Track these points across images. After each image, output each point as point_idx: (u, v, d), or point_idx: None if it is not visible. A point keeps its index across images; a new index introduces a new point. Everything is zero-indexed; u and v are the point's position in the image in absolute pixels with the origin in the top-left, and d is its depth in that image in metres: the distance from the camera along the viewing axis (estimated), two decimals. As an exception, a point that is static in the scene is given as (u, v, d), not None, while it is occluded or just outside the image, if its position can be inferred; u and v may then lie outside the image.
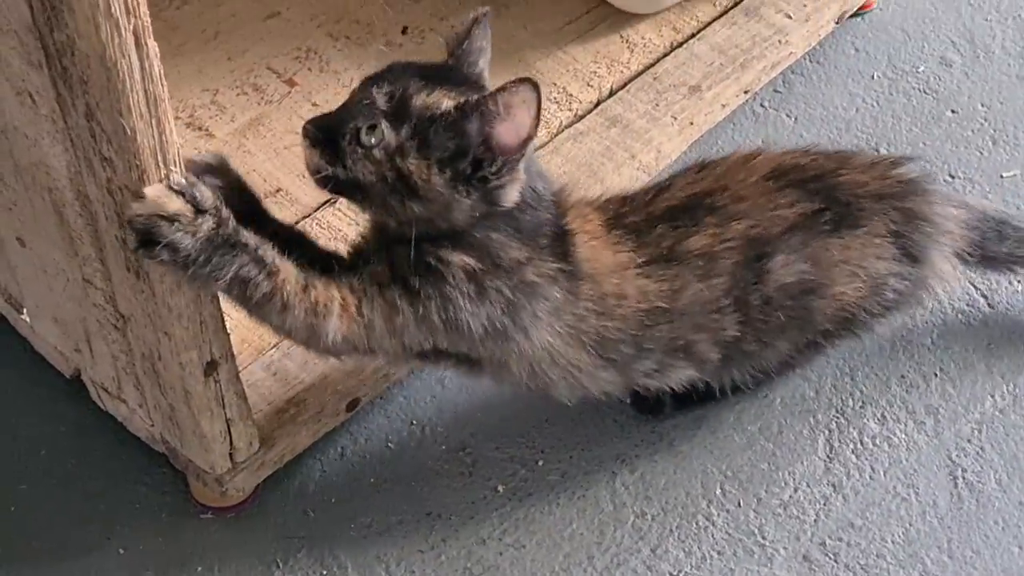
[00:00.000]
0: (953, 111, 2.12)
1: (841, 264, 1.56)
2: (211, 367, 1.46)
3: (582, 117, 1.94)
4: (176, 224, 1.28)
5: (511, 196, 1.39)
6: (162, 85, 1.25)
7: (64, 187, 1.39)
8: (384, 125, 1.36)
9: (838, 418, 1.75)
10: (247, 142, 1.91)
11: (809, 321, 1.59)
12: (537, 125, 1.36)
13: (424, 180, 1.35)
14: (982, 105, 2.12)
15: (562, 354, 1.48)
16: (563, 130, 1.92)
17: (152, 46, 1.23)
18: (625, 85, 1.98)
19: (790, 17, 2.06)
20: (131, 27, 1.19)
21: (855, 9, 2.14)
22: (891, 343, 1.82)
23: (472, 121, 1.35)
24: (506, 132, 1.35)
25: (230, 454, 1.57)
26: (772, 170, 1.57)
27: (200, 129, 1.93)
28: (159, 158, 1.28)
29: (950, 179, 2.01)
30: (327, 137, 1.38)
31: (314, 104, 1.96)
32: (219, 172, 1.44)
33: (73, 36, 1.19)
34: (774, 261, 1.53)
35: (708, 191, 1.55)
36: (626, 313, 1.49)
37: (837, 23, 2.10)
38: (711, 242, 1.51)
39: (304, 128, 1.40)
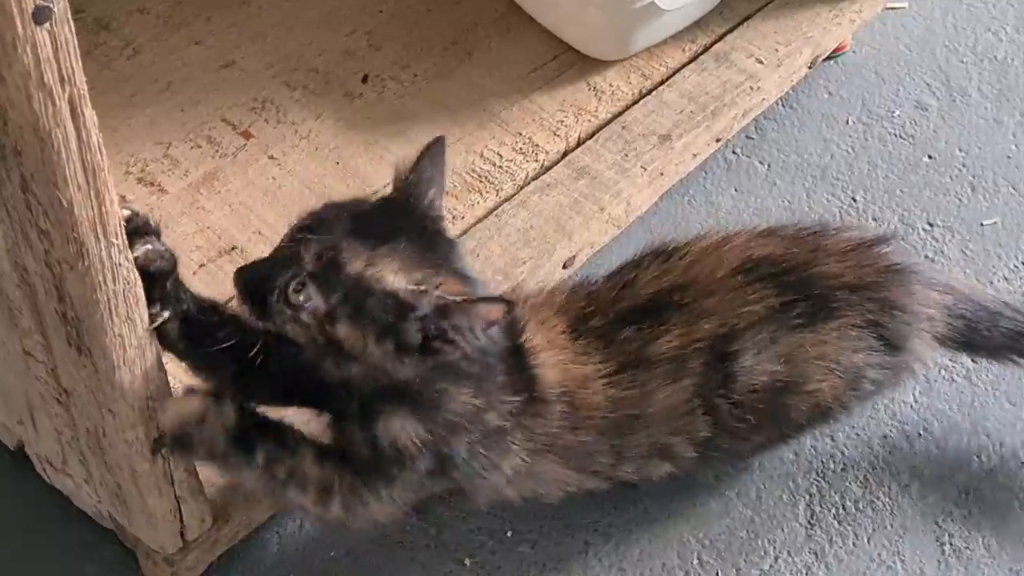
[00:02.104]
0: (930, 156, 2.06)
1: (815, 360, 1.50)
2: (158, 444, 1.38)
3: (549, 168, 1.88)
4: (206, 423, 1.32)
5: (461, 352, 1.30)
6: (101, 154, 1.18)
7: (1, 258, 1.31)
8: (312, 289, 1.26)
9: (819, 481, 1.69)
10: (201, 197, 1.84)
11: (784, 419, 1.54)
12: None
13: (358, 349, 1.28)
14: (960, 150, 2.07)
15: (544, 472, 1.44)
16: (530, 182, 1.86)
17: (90, 115, 1.15)
18: (593, 135, 1.92)
19: (762, 62, 2.00)
20: (66, 95, 1.11)
21: (828, 53, 2.08)
22: (872, 402, 1.76)
23: (423, 310, 1.25)
24: (466, 323, 1.26)
25: (181, 533, 1.49)
26: (743, 262, 1.50)
27: (152, 184, 1.85)
28: (99, 231, 1.21)
29: (929, 227, 1.95)
30: (257, 290, 1.29)
31: (271, 157, 1.88)
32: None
33: (5, 106, 1.11)
34: (740, 361, 1.47)
35: (674, 286, 1.49)
36: (599, 424, 1.44)
37: (810, 67, 2.04)
38: (679, 344, 1.46)
39: (235, 278, 1.31)
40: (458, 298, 1.24)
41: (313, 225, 1.29)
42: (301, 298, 1.26)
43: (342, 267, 1.25)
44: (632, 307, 1.47)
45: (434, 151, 1.35)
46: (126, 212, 1.26)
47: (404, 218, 1.32)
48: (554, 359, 1.42)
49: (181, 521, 1.47)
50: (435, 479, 1.38)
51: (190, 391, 1.35)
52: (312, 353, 1.31)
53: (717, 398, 1.47)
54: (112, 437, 1.38)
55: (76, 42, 1.09)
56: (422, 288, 1.25)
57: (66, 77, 1.10)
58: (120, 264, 1.25)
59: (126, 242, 1.25)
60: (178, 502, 1.45)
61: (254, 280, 1.29)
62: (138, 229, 1.28)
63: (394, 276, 1.25)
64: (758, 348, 1.47)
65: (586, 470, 1.47)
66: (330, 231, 1.27)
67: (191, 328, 1.34)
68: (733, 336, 1.46)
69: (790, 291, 1.49)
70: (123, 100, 1.95)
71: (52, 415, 1.47)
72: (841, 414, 1.58)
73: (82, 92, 1.12)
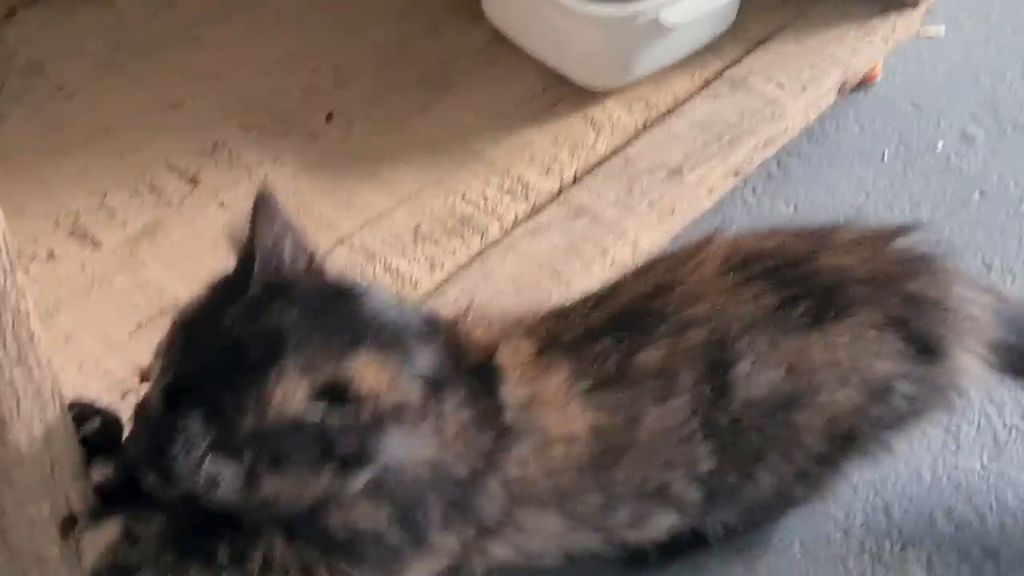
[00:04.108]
0: (982, 192, 1.83)
1: (825, 367, 1.24)
2: (69, 524, 1.18)
3: (541, 209, 1.64)
4: (133, 544, 1.17)
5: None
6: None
7: None
8: (215, 462, 1.06)
9: (874, 565, 1.43)
10: (140, 251, 1.61)
11: (796, 442, 1.28)
12: None
13: (295, 494, 1.09)
14: (1014, 184, 1.85)
15: (530, 524, 1.22)
16: (519, 224, 1.62)
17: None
18: (592, 170, 1.68)
19: (783, 87, 1.77)
20: None
21: (858, 77, 1.84)
22: (931, 469, 1.50)
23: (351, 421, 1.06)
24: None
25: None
26: (730, 257, 1.27)
27: (85, 237, 1.62)
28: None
29: (985, 269, 1.71)
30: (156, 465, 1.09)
31: (221, 204, 1.65)
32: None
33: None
34: (736, 370, 1.23)
35: (656, 291, 1.26)
36: (580, 454, 1.20)
37: (839, 93, 1.80)
38: (665, 355, 1.22)
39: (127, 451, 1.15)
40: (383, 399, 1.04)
41: (179, 374, 1.08)
42: (208, 475, 1.07)
43: (236, 423, 1.05)
44: (608, 317, 1.25)
45: (265, 204, 1.14)
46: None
47: (272, 299, 1.09)
48: (522, 386, 1.18)
49: (100, 621, 1.23)
50: (416, 549, 1.17)
51: (98, 508, 1.17)
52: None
53: (715, 416, 1.23)
54: (12, 516, 1.18)
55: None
56: (337, 393, 1.04)
57: None
58: (6, 289, 1.02)
59: (14, 263, 1.01)
60: (98, 596, 1.23)
61: (149, 458, 1.09)
62: (82, 414, 1.18)
63: (297, 395, 1.04)
64: (755, 354, 1.23)
65: (575, 516, 1.23)
66: (197, 367, 1.07)
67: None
68: (727, 342, 1.23)
69: (791, 287, 1.25)
70: (56, 146, 1.73)
71: (-58, 497, 1.22)
72: (874, 443, 1.32)
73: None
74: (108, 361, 1.47)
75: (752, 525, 1.39)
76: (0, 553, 1.23)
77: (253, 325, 1.07)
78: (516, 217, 1.63)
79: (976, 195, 1.82)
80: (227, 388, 1.05)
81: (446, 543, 1.18)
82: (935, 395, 1.31)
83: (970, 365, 1.30)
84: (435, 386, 1.09)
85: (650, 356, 1.22)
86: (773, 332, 1.23)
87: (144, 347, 1.46)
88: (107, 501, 1.20)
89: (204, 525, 1.15)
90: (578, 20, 1.71)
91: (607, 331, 1.23)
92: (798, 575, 1.41)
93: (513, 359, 1.19)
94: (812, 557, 1.43)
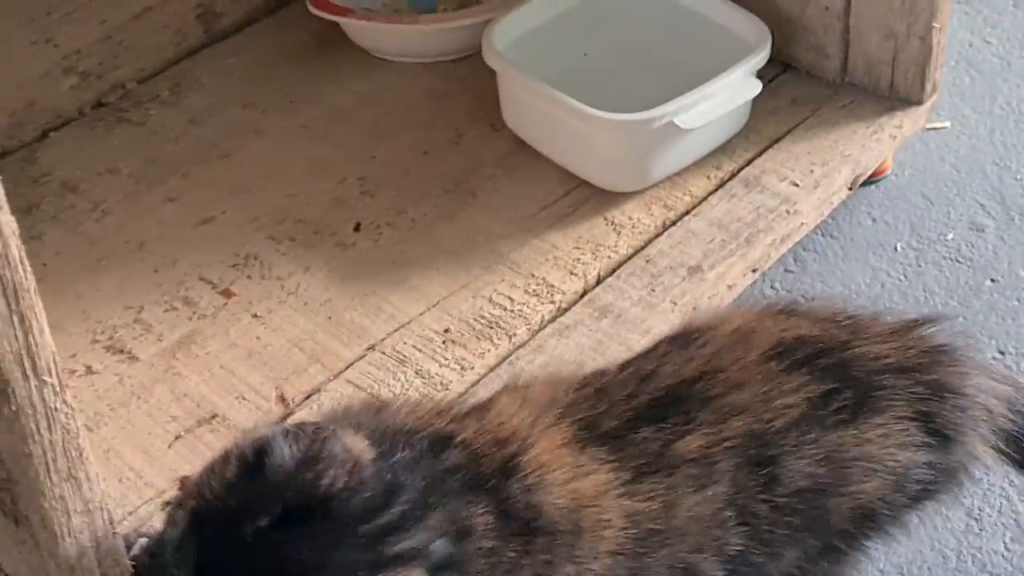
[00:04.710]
0: (993, 280, 1.86)
1: (857, 461, 1.27)
2: None
3: (567, 309, 1.67)
4: None
5: None
6: (24, 272, 0.98)
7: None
8: None
9: (905, 655, 1.43)
10: (177, 363, 1.63)
11: (824, 523, 1.30)
12: None
13: None
14: (1024, 271, 1.87)
15: None
16: (546, 325, 1.65)
17: (7, 221, 0.95)
18: (614, 271, 1.71)
19: (797, 185, 1.80)
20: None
21: (869, 172, 1.88)
22: (956, 551, 1.52)
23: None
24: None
25: None
26: (774, 345, 1.30)
27: (122, 352, 1.65)
28: (26, 366, 1.01)
29: (1000, 356, 1.73)
30: None
31: (254, 315, 1.68)
32: None
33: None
34: (781, 464, 1.25)
35: (698, 375, 1.27)
36: (613, 545, 1.21)
37: (851, 188, 1.85)
38: (706, 443, 1.24)
39: None
40: None
41: None
42: None
43: None
44: (650, 402, 1.26)
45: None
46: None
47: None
48: (560, 479, 1.19)
49: None
50: None
51: None
52: None
53: (756, 504, 1.24)
54: None
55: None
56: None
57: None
58: (56, 408, 1.05)
59: (62, 381, 1.05)
60: None
61: None
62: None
63: None
64: (801, 449, 1.25)
65: None
66: None
67: None
68: (772, 435, 1.25)
69: (830, 377, 1.28)
70: (91, 264, 1.76)
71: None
72: (889, 520, 1.34)
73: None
74: (148, 473, 1.50)
75: None
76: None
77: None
78: (543, 318, 1.66)
79: (987, 283, 1.85)
80: None
81: None
82: (948, 479, 1.34)
83: (982, 452, 1.34)
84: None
85: (690, 444, 1.23)
86: (815, 427, 1.26)
87: (183, 457, 1.51)
88: None
89: None
90: (597, 126, 1.76)
91: (648, 418, 1.24)
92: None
93: (549, 447, 1.20)
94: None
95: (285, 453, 1.08)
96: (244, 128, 1.97)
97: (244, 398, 1.58)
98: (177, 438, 1.54)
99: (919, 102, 1.91)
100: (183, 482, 1.46)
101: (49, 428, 1.04)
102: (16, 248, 0.97)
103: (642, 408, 1.25)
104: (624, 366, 1.32)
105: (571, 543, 1.19)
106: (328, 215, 1.82)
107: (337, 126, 1.97)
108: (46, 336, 1.02)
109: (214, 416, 1.57)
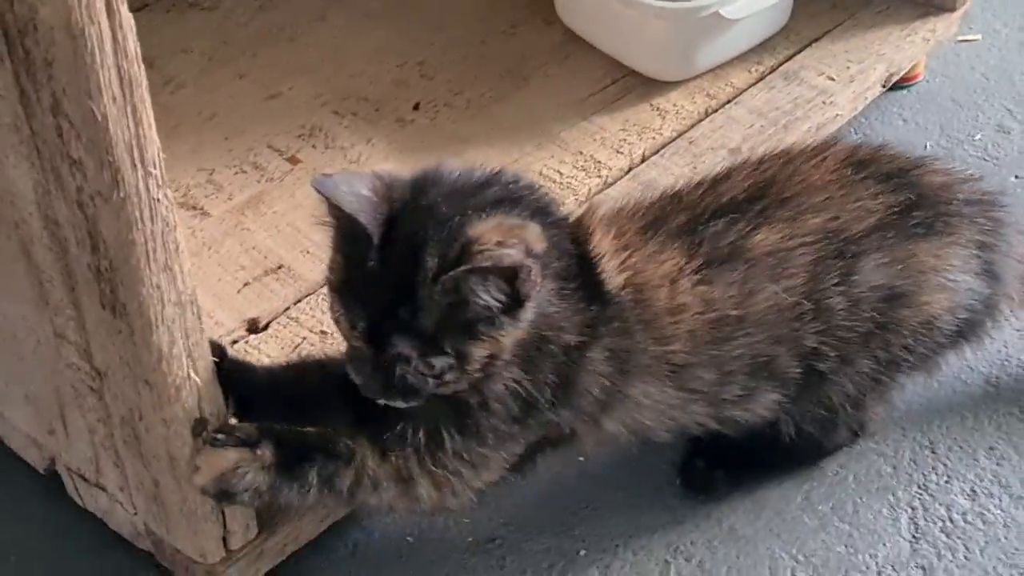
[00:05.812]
0: (1017, 176, 1.95)
1: (931, 272, 1.37)
2: (200, 425, 1.26)
3: (612, 184, 1.78)
4: (241, 470, 1.24)
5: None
6: (138, 65, 1.09)
7: (31, 215, 1.21)
8: (429, 368, 1.21)
9: (921, 495, 1.54)
10: (245, 219, 1.74)
11: (895, 333, 1.39)
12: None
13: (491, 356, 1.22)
14: (1047, 169, 1.97)
15: (640, 395, 1.31)
16: (592, 197, 1.75)
17: (126, 15, 1.06)
18: (658, 151, 1.81)
19: (833, 79, 1.90)
20: (99, -13, 1.02)
21: (902, 71, 1.98)
22: (973, 413, 1.62)
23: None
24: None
25: (223, 539, 1.35)
26: (849, 155, 1.40)
27: (194, 208, 1.76)
28: (135, 155, 1.11)
29: (1022, 244, 1.82)
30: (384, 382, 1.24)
31: (319, 180, 1.78)
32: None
33: (35, 3, 1.02)
34: (864, 260, 1.35)
35: (772, 180, 1.37)
36: (691, 329, 1.30)
37: (884, 86, 1.94)
38: (782, 238, 1.33)
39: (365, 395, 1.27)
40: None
41: (367, 319, 1.22)
42: (433, 375, 1.22)
43: (424, 326, 1.19)
44: (724, 202, 1.35)
45: (324, 186, 1.24)
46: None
47: (392, 229, 1.21)
48: (621, 263, 1.29)
49: (224, 525, 1.34)
50: (524, 427, 1.28)
51: (220, 436, 1.26)
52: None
53: (833, 297, 1.33)
54: (149, 419, 1.26)
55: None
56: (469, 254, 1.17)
57: (99, -33, 1.01)
58: (159, 200, 1.15)
59: (164, 175, 1.15)
60: (220, 499, 1.32)
61: (387, 389, 1.25)
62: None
63: (449, 273, 1.16)
64: (881, 248, 1.35)
65: (687, 387, 1.32)
66: (375, 308, 1.20)
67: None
68: (853, 233, 1.34)
69: (905, 191, 1.37)
70: (165, 131, 1.79)
71: (85, 409, 1.35)
72: (932, 352, 1.44)
73: (117, -10, 1.04)
74: (219, 314, 1.60)
75: (825, 434, 1.49)
76: (136, 464, 1.33)
77: (392, 254, 1.19)
78: (589, 191, 1.76)
79: (1012, 179, 1.95)
80: (401, 306, 1.18)
81: (562, 416, 1.29)
82: (985, 314, 1.45)
83: (1016, 290, 1.46)
84: (548, 254, 1.21)
85: (766, 236, 1.32)
86: (894, 232, 1.35)
87: (251, 302, 1.62)
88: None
89: (301, 451, 1.27)
90: (645, 15, 1.85)
91: (720, 214, 1.33)
92: (852, 503, 1.52)
93: (618, 241, 1.30)
94: (864, 488, 1.54)
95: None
96: (311, 14, 2.08)
97: (308, 252, 1.68)
98: (246, 284, 1.65)
99: (952, 9, 2.00)
100: (251, 326, 1.57)
101: (151, 218, 1.14)
102: (133, 43, 1.07)
103: (714, 207, 1.34)
104: (699, 183, 1.40)
105: (643, 318, 1.28)
106: (389, 94, 1.93)
107: (399, 15, 2.07)
108: (153, 131, 1.12)
109: (280, 267, 1.67)
